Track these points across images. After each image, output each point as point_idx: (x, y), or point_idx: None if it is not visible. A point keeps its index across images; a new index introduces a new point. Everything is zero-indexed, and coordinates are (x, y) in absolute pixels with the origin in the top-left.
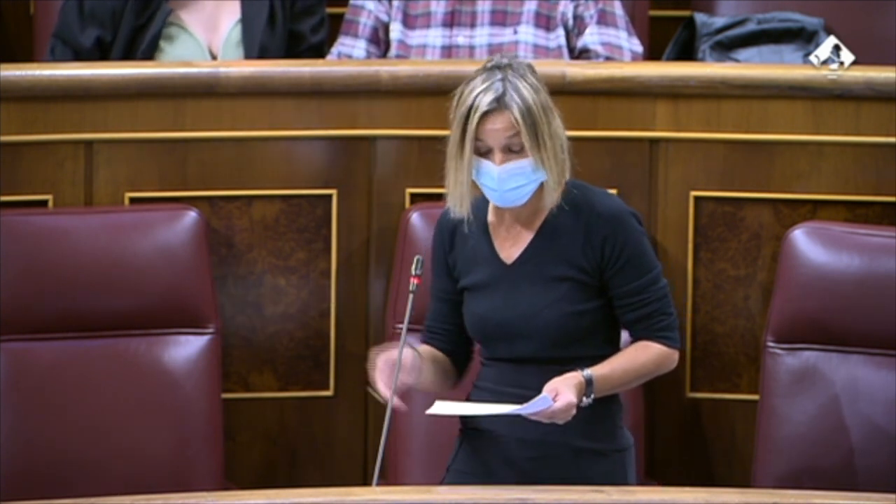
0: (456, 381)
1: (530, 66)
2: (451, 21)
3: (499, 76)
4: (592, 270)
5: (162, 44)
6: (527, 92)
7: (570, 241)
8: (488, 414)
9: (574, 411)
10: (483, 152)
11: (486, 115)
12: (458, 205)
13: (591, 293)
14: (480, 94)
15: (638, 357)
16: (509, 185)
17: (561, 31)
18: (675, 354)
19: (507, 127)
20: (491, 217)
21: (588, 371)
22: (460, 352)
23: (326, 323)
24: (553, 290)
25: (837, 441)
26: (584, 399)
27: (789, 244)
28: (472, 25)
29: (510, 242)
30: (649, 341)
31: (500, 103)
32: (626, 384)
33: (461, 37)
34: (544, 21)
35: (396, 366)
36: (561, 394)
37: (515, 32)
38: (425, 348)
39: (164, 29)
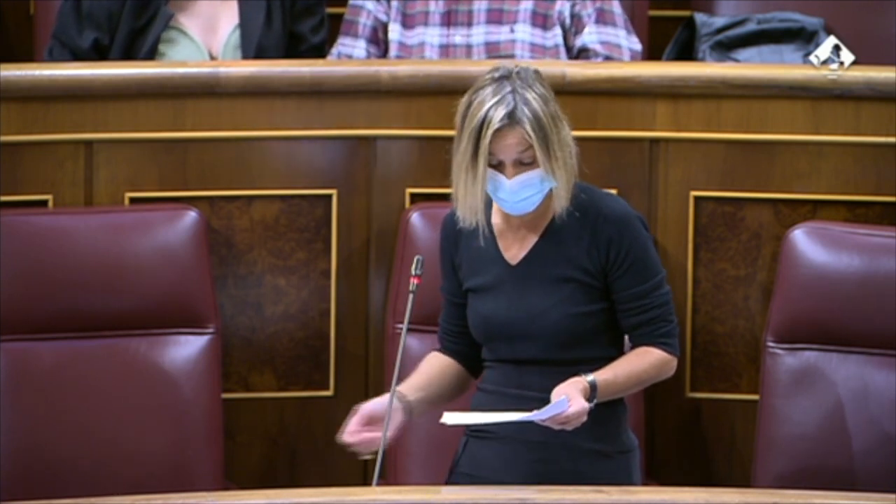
0: (468, 383)
1: (537, 73)
2: (448, 20)
3: (508, 88)
4: (597, 273)
5: (161, 47)
6: (536, 104)
7: (575, 242)
8: (501, 422)
9: (585, 417)
10: (494, 165)
11: (498, 130)
12: (469, 215)
13: (596, 295)
14: (492, 109)
15: (639, 363)
16: (521, 195)
17: (558, 31)
18: (674, 361)
19: (520, 142)
20: (496, 218)
21: (592, 376)
22: (474, 353)
23: (326, 323)
24: (557, 292)
25: (837, 441)
26: (587, 404)
27: (789, 244)
28: (469, 24)
29: (515, 243)
30: (649, 347)
31: (511, 119)
32: (627, 390)
33: (458, 36)
34: (541, 20)
35: (396, 368)
36: (574, 399)
37: (512, 31)
38: (431, 368)
39: (163, 32)
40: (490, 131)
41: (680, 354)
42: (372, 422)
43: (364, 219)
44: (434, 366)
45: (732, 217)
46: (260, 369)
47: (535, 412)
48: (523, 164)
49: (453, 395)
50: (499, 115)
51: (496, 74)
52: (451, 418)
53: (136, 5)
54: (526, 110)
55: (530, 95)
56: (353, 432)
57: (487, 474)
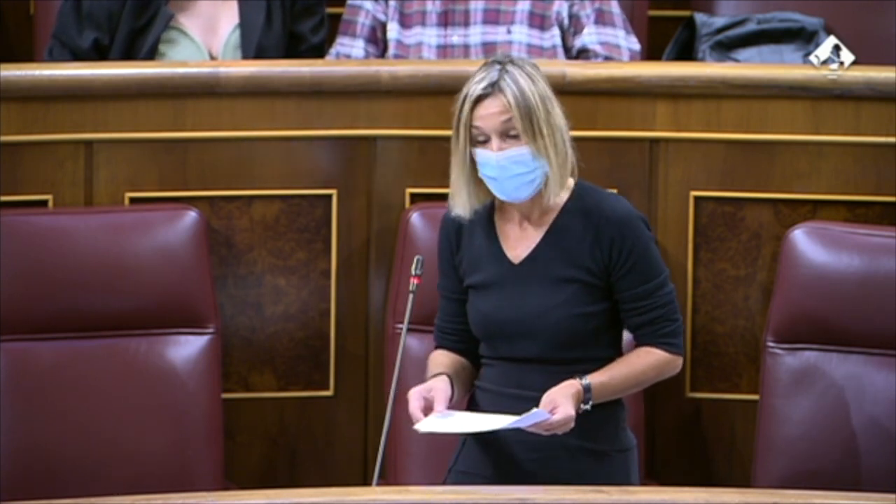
0: (475, 377)
1: (533, 63)
2: (445, 20)
3: (497, 67)
4: (600, 273)
5: (161, 47)
6: (523, 80)
7: (578, 242)
8: (482, 431)
9: (572, 424)
10: (482, 141)
11: (479, 100)
12: (460, 203)
13: (598, 295)
14: (476, 84)
15: (638, 364)
16: (510, 172)
17: (556, 31)
18: (679, 360)
19: (501, 111)
20: (498, 216)
21: (587, 379)
22: (474, 350)
23: (326, 323)
24: (560, 292)
25: (837, 441)
26: (582, 406)
27: (789, 244)
28: (466, 24)
29: (518, 242)
30: (652, 347)
31: (493, 88)
32: (626, 390)
33: (455, 36)
34: (538, 21)
35: (396, 368)
36: (559, 406)
37: (509, 32)
38: (446, 361)
39: (164, 32)
40: (470, 101)
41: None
42: (429, 403)
43: (364, 219)
44: (447, 360)
45: (732, 217)
46: (260, 369)
47: (515, 420)
48: (510, 138)
49: (470, 388)
50: (481, 85)
51: (490, 59)
52: (424, 425)
53: (136, 5)
54: (509, 81)
55: (518, 73)
56: (420, 411)
57: (486, 474)
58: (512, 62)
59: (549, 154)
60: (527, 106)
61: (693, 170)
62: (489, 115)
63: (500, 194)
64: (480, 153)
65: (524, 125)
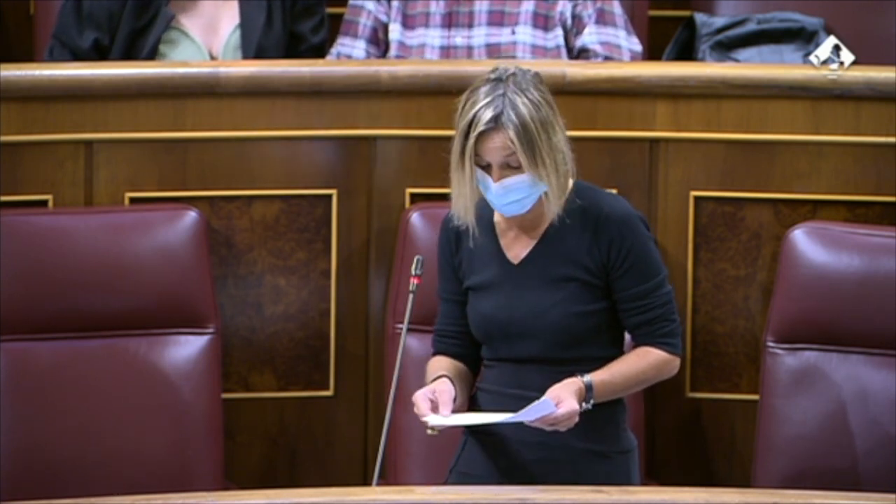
0: (474, 384)
1: (536, 77)
2: (448, 22)
3: (500, 91)
4: (598, 271)
5: (162, 48)
6: (525, 109)
7: (576, 241)
8: (489, 423)
9: (577, 419)
10: (483, 166)
11: (483, 133)
12: (462, 214)
13: (598, 294)
14: (480, 111)
15: (638, 363)
16: (508, 199)
17: (559, 31)
18: (676, 361)
19: (504, 146)
20: (497, 217)
21: (588, 377)
22: (473, 354)
23: (326, 323)
24: (559, 290)
25: (837, 441)
26: (584, 405)
27: (789, 244)
28: (470, 26)
29: (517, 242)
30: (650, 347)
31: (497, 122)
32: (626, 390)
33: (459, 37)
34: (542, 21)
35: (396, 368)
36: (564, 401)
37: (513, 33)
38: (445, 365)
39: (164, 33)
40: (475, 133)
41: (682, 351)
42: (435, 405)
43: (364, 219)
44: (447, 364)
45: (732, 217)
46: (260, 369)
47: (520, 412)
48: (511, 168)
49: (469, 394)
50: (485, 117)
51: (493, 76)
52: (434, 420)
53: (136, 6)
54: (513, 115)
55: (520, 101)
56: (429, 412)
57: (487, 474)
58: (515, 80)
59: (549, 178)
60: (529, 139)
61: (693, 170)
62: (493, 148)
63: (499, 211)
64: (482, 176)
65: (526, 158)
